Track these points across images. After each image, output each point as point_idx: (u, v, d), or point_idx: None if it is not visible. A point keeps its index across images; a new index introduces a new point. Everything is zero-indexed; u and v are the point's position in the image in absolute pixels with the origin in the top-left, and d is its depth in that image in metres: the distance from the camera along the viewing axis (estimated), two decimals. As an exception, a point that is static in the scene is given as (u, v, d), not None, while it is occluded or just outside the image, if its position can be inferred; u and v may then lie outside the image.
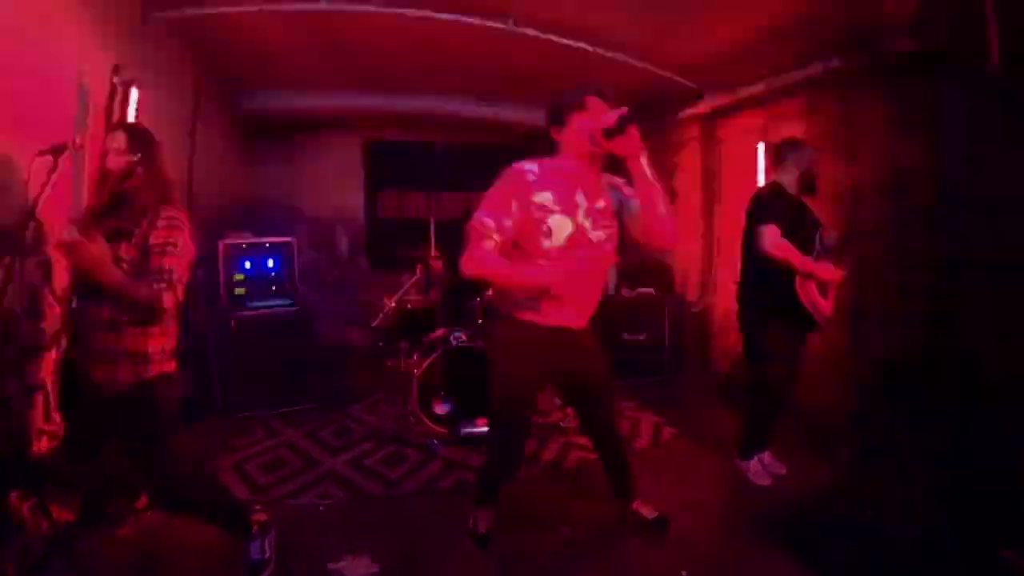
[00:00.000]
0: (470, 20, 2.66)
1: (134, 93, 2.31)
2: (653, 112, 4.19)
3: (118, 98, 2.27)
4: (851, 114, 3.02)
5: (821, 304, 2.24)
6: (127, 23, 2.43)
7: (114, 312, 1.47)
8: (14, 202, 1.65)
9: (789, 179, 2.34)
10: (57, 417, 1.87)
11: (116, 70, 2.25)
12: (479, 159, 4.82)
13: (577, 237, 1.50)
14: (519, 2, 2.59)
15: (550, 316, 1.57)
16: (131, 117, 2.30)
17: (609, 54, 3.11)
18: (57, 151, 1.66)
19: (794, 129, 3.36)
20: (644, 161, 1.38)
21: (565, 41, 2.86)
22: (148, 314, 1.48)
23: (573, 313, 1.61)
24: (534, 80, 3.59)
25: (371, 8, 2.50)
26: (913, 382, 2.57)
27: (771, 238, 2.16)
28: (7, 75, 1.68)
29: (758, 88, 3.35)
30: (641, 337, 3.87)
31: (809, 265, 2.19)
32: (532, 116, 4.29)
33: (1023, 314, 2.19)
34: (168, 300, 1.47)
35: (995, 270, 2.30)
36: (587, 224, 1.52)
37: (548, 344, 1.60)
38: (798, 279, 2.20)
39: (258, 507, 2.07)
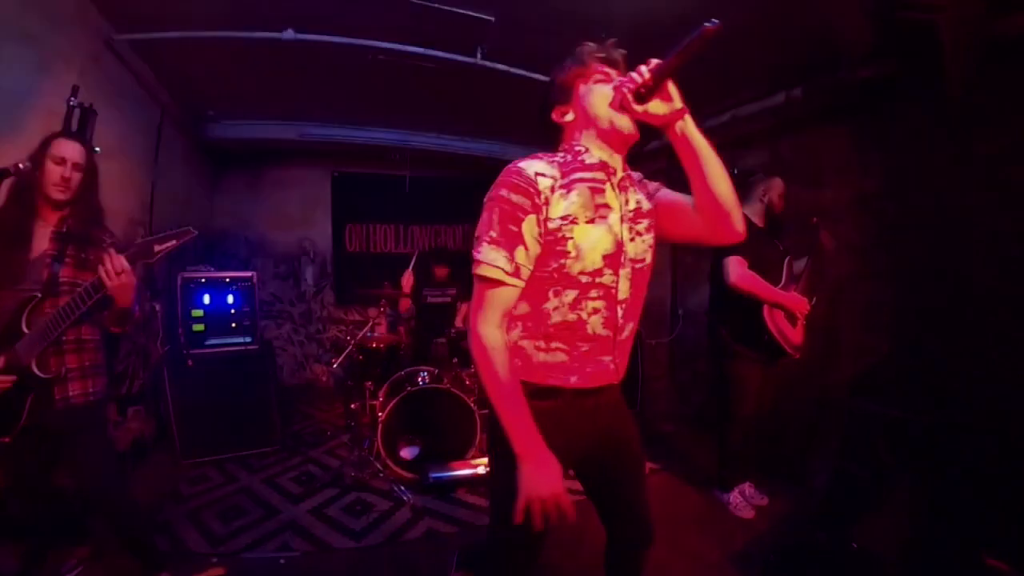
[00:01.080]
0: (437, 54, 2.71)
1: (92, 117, 2.26)
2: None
3: (75, 120, 2.21)
4: (815, 141, 3.18)
5: (790, 333, 2.29)
6: (91, 44, 2.40)
7: (79, 331, 1.62)
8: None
9: (754, 210, 2.42)
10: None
11: (75, 91, 2.19)
12: (449, 193, 4.86)
13: (616, 254, 1.08)
14: (488, 37, 2.66)
15: (580, 373, 1.11)
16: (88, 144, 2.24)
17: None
18: (1, 175, 1.60)
19: (761, 157, 3.53)
20: (690, 124, 1.02)
21: (534, 76, 2.94)
22: (123, 329, 1.72)
23: (610, 363, 1.15)
24: (502, 115, 3.69)
25: (337, 40, 2.53)
26: (886, 397, 2.63)
27: (737, 270, 2.21)
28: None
29: (724, 119, 3.51)
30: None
31: (776, 295, 2.25)
32: (502, 151, 4.42)
33: (990, 326, 2.28)
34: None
35: (959, 286, 2.41)
36: (624, 233, 1.10)
37: (577, 415, 1.14)
38: (766, 309, 2.25)
39: (214, 560, 2.03)
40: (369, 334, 3.06)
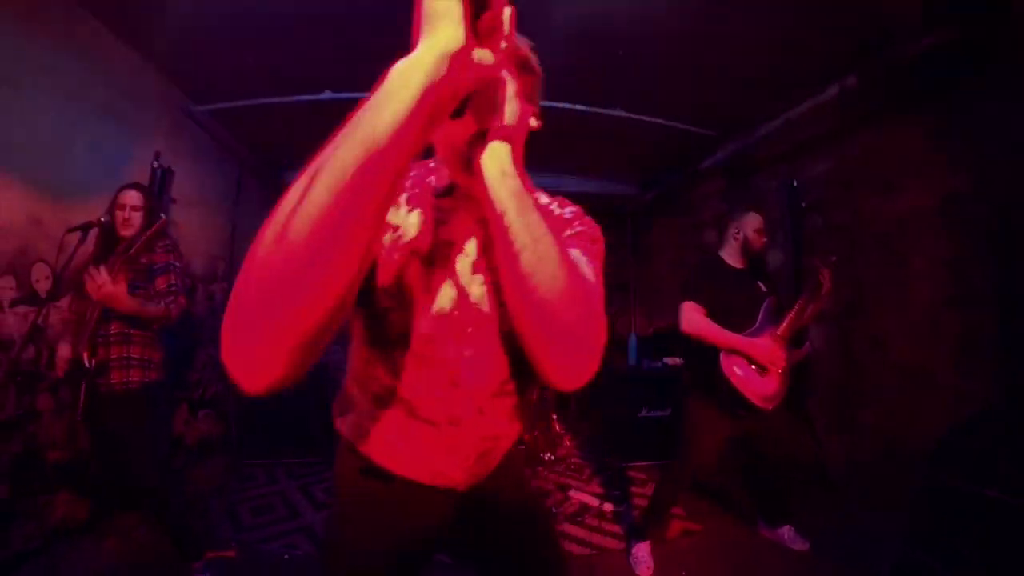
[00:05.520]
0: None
1: (170, 176, 3.00)
2: (674, 168, 4.22)
3: (157, 180, 2.95)
4: (885, 138, 2.83)
5: (758, 383, 2.15)
6: (173, 115, 3.15)
7: (124, 327, 1.98)
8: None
9: (730, 250, 2.38)
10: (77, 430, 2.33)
11: (157, 156, 2.93)
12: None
13: (462, 307, 0.81)
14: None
15: (409, 461, 0.89)
16: (166, 196, 2.97)
17: (615, 113, 3.31)
18: (86, 227, 2.22)
19: (826, 165, 3.21)
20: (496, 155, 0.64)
21: (559, 104, 3.11)
22: (162, 325, 2.04)
23: (457, 457, 0.89)
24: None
25: (366, 95, 2.99)
26: (978, 468, 2.17)
27: (687, 315, 2.20)
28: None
29: (777, 123, 3.29)
30: (663, 413, 3.58)
31: (735, 342, 2.14)
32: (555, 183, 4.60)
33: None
34: (175, 310, 2.04)
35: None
36: (473, 286, 0.82)
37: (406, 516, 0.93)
38: (723, 356, 2.16)
39: (232, 544, 2.44)
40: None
